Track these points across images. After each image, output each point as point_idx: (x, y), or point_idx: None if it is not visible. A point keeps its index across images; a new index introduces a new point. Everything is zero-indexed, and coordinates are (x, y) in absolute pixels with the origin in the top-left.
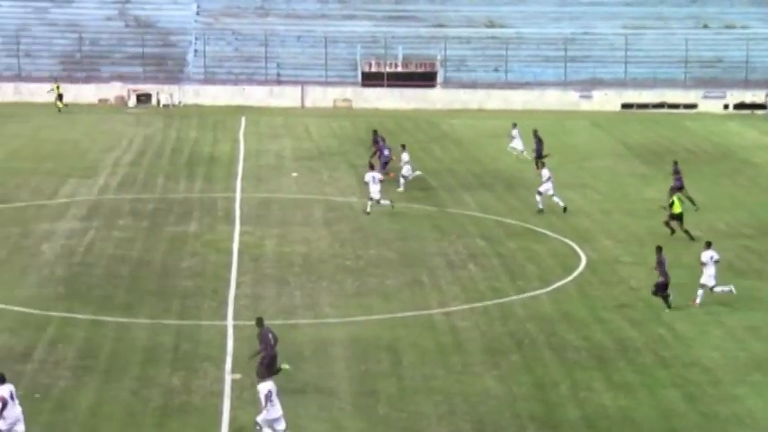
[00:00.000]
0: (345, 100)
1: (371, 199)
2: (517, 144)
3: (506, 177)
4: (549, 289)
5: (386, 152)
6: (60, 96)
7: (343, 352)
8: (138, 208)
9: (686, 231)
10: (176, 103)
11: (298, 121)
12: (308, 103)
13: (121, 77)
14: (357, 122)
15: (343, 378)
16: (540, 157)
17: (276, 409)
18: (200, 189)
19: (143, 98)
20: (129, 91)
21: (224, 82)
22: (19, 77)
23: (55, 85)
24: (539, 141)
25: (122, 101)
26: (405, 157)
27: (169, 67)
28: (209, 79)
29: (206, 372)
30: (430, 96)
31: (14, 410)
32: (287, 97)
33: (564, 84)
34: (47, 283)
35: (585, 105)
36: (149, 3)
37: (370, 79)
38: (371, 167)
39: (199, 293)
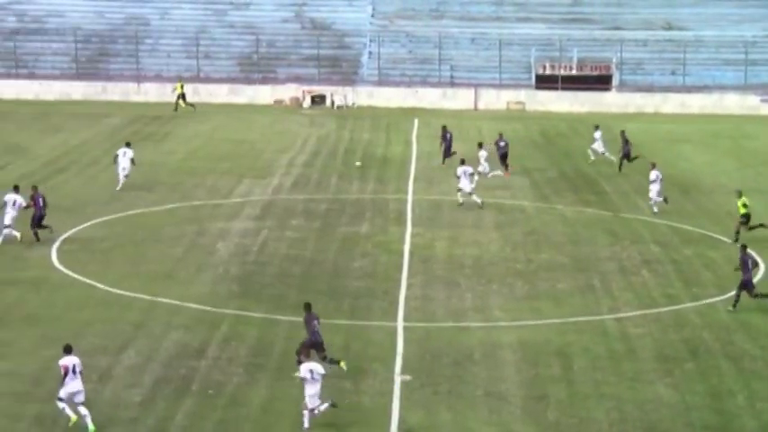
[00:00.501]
0: (519, 103)
1: (460, 190)
2: (598, 146)
3: (681, 182)
4: (725, 297)
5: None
6: (183, 96)
7: (513, 356)
8: (310, 208)
9: (737, 232)
10: (350, 104)
11: (470, 123)
12: (481, 106)
13: (297, 79)
14: (530, 125)
15: (513, 382)
16: (628, 160)
17: (314, 387)
18: (372, 190)
19: (317, 99)
20: (303, 92)
21: (397, 84)
22: (198, 78)
23: (179, 84)
24: (626, 143)
25: (297, 102)
26: (483, 154)
27: (343, 69)
28: (382, 81)
29: (375, 372)
30: (605, 100)
31: (75, 383)
32: (460, 99)
33: (744, 87)
34: (221, 281)
35: (766, 110)
36: (325, 5)
37: (544, 82)
38: (462, 162)
39: (369, 294)
